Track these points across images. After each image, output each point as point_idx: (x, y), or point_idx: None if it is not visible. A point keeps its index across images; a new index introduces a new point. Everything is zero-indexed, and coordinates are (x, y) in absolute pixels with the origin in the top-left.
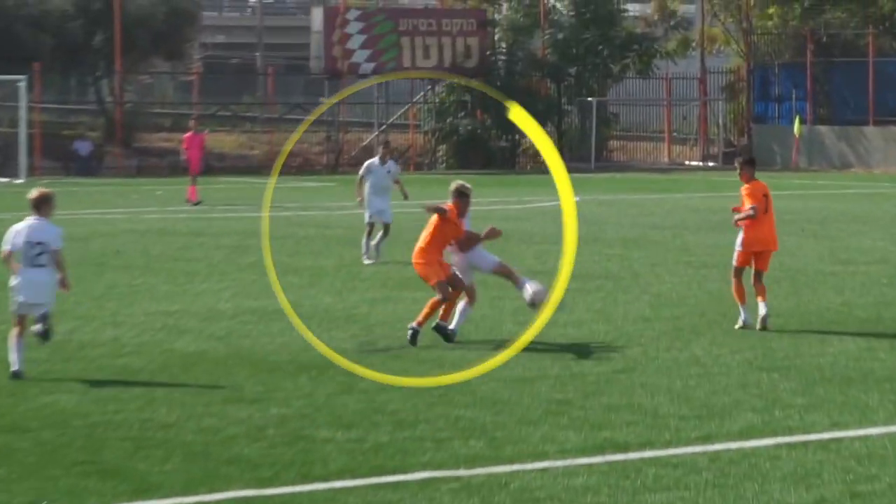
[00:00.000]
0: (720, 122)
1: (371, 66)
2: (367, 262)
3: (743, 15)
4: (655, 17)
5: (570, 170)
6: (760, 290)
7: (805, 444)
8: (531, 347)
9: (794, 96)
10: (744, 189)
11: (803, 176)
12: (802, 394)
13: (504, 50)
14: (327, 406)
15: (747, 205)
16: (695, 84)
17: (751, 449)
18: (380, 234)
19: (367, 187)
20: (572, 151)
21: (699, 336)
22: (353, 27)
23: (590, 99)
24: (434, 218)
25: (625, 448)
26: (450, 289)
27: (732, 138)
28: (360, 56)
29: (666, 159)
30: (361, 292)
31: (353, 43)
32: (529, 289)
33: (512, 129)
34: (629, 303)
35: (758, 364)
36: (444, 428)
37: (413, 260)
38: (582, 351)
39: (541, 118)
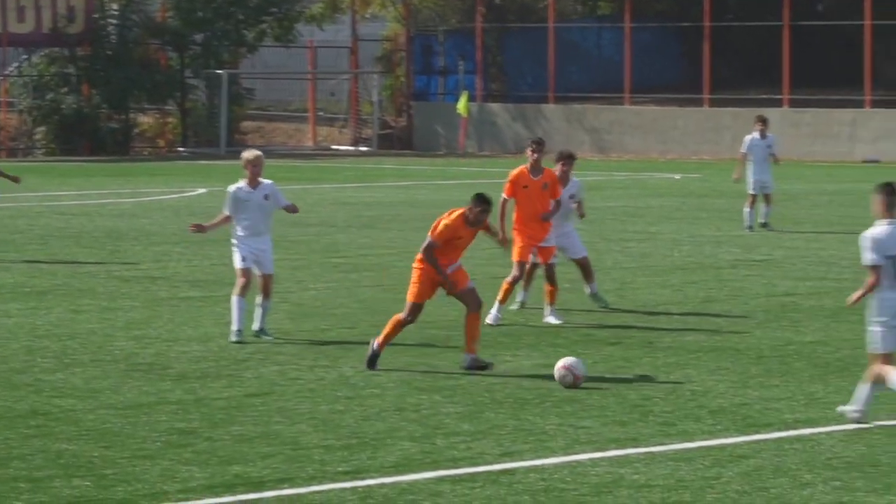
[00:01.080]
0: (375, 99)
1: None
2: None
3: None
4: None
5: (196, 156)
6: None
7: (472, 476)
8: (146, 367)
9: (461, 69)
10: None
11: (472, 162)
12: (469, 419)
13: (116, 13)
14: None
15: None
16: (345, 54)
17: (408, 484)
18: None
19: None
20: (199, 134)
21: (349, 352)
22: None
23: (219, 71)
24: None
25: (259, 485)
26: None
27: (389, 118)
28: None
29: (311, 143)
30: None
31: None
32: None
33: (125, 107)
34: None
35: (417, 384)
36: (43, 465)
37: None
38: (209, 372)
39: (160, 94)
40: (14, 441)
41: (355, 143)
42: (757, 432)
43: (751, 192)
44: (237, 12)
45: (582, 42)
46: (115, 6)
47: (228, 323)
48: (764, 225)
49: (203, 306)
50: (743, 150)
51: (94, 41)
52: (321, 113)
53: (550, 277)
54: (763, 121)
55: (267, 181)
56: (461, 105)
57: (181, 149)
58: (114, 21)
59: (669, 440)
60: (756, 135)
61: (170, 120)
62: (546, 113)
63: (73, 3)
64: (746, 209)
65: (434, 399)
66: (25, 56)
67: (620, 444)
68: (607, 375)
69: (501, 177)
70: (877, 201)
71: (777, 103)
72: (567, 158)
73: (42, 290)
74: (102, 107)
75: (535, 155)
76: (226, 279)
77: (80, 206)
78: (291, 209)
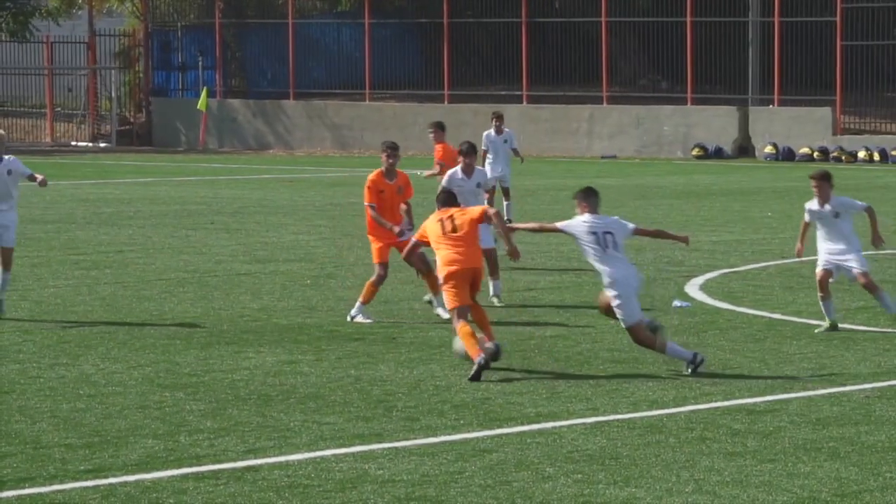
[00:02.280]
0: (113, 95)
1: None
2: None
3: None
4: None
5: None
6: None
7: (216, 474)
8: None
9: (200, 65)
10: None
11: (213, 158)
12: (213, 416)
13: None
14: None
15: None
16: (82, 49)
17: (152, 482)
18: None
19: None
20: None
21: (90, 350)
22: None
23: None
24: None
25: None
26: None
27: (128, 114)
28: None
29: (49, 139)
30: None
31: None
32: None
33: None
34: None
35: (160, 382)
36: None
37: None
38: None
39: None
40: None
41: (94, 139)
42: (500, 426)
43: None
44: None
45: (322, 38)
46: None
47: None
48: (507, 221)
49: None
50: (483, 146)
51: None
52: (59, 109)
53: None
54: (499, 117)
55: (9, 156)
56: (201, 101)
57: None
58: None
59: (413, 435)
60: (492, 131)
61: None
62: (287, 109)
63: None
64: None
65: (177, 396)
66: None
67: (364, 439)
68: (351, 371)
69: (242, 172)
70: (578, 203)
71: (516, 99)
72: (469, 152)
73: None
74: None
75: (391, 160)
76: None
77: None
78: (41, 182)
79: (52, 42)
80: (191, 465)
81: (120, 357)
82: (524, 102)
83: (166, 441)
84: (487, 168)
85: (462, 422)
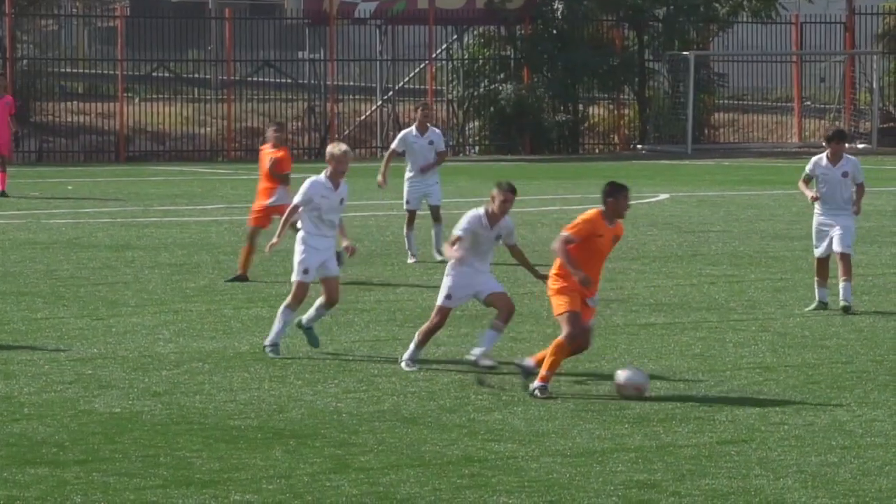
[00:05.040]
0: (875, 85)
1: (371, 6)
2: (411, 260)
3: None
4: None
5: (656, 155)
6: None
7: None
8: (599, 408)
9: None
10: None
11: None
12: None
13: None
14: (312, 490)
15: None
16: (838, 31)
17: None
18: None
19: (407, 165)
20: (660, 129)
21: (843, 392)
22: None
23: (685, 53)
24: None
25: None
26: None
27: (893, 109)
28: None
29: (796, 139)
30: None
31: None
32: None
33: (574, 97)
34: (742, 345)
35: None
36: None
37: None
38: (675, 413)
39: (615, 81)
40: (445, 492)
41: (850, 139)
42: None
43: None
44: None
45: None
46: None
47: (685, 355)
48: None
49: (666, 335)
50: None
51: (537, 18)
52: (808, 103)
53: None
54: None
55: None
56: None
57: (640, 146)
58: None
59: None
60: None
61: (626, 112)
62: None
63: None
64: None
65: None
66: (455, 37)
67: None
68: None
69: None
70: None
71: None
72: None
73: (475, 314)
74: (547, 97)
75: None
76: (695, 303)
77: (519, 215)
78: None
79: (800, 23)
80: None
81: (880, 402)
82: None
83: None
84: None
85: None
